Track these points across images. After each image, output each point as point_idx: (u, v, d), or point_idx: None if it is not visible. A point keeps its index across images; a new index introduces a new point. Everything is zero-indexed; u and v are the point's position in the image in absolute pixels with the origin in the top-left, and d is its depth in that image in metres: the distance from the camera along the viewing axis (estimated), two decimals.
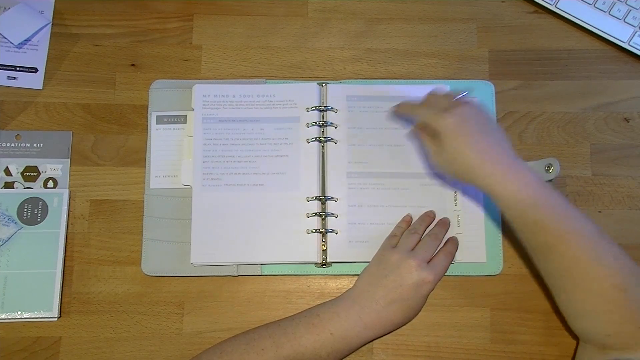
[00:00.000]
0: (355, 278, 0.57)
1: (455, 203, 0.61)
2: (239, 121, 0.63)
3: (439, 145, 0.52)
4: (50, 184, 0.62)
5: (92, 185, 0.62)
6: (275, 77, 0.66)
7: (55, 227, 0.60)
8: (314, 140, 0.62)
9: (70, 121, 0.64)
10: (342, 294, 0.56)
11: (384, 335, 0.55)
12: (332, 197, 0.61)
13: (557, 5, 0.66)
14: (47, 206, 0.61)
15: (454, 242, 0.59)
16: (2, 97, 0.64)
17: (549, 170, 0.59)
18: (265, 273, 0.60)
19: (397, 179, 0.61)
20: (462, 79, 0.65)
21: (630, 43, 0.65)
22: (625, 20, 0.65)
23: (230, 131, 0.62)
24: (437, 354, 0.59)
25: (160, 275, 0.60)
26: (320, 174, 0.61)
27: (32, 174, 0.62)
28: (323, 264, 0.60)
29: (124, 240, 0.61)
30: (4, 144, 0.63)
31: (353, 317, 0.53)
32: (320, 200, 0.60)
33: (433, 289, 0.55)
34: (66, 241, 0.60)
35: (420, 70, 0.66)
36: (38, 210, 0.61)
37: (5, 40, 0.65)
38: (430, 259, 0.55)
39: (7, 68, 0.65)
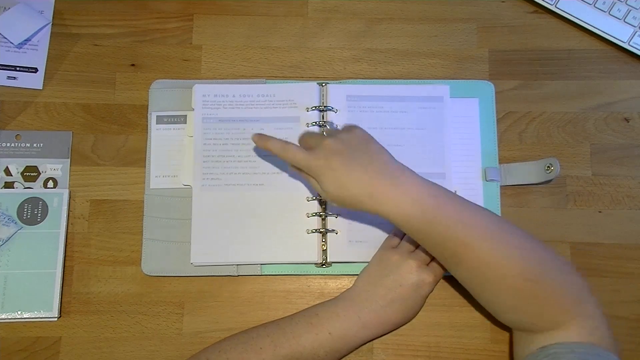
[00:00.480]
0: (355, 278, 0.57)
1: None
2: (239, 121, 0.62)
3: (319, 182, 0.51)
4: (50, 184, 0.62)
5: (92, 185, 0.62)
6: (275, 77, 0.65)
7: (55, 227, 0.60)
8: None
9: (70, 121, 0.64)
10: (342, 293, 0.56)
11: (383, 335, 0.55)
12: None
13: (557, 5, 0.66)
14: (47, 206, 0.61)
15: None
16: (2, 97, 0.64)
17: (549, 170, 0.59)
18: (265, 273, 0.60)
19: None
20: (462, 79, 0.65)
21: (630, 43, 0.65)
22: (625, 20, 0.65)
23: (230, 131, 0.62)
24: (437, 354, 0.59)
25: (160, 275, 0.60)
26: None
27: (32, 174, 0.62)
28: (323, 264, 0.60)
29: (123, 240, 0.61)
30: (4, 144, 0.63)
31: (352, 316, 0.53)
32: (320, 200, 0.60)
33: (432, 290, 0.55)
34: (66, 241, 0.61)
35: (420, 70, 0.66)
36: (38, 210, 0.61)
37: (5, 40, 0.65)
38: (430, 261, 0.55)
39: (7, 68, 0.65)
